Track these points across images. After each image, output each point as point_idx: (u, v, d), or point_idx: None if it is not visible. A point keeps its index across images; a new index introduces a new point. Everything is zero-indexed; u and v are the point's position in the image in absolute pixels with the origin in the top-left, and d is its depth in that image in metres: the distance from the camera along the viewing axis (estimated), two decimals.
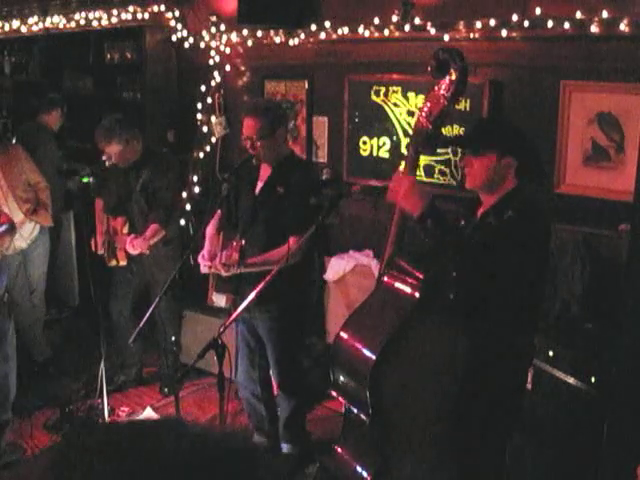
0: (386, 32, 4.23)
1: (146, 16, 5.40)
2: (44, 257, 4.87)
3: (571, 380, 3.04)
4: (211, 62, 5.26)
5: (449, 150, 4.17)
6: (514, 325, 2.47)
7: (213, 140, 5.33)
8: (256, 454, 0.82)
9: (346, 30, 4.41)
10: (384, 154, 4.54)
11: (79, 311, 5.71)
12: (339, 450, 2.66)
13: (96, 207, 4.60)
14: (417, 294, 2.43)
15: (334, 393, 2.61)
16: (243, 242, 3.38)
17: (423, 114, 2.50)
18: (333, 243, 4.75)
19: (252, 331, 3.69)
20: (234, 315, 3.00)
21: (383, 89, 4.47)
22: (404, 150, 4.27)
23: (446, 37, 3.96)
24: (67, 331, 5.53)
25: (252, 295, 2.88)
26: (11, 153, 4.52)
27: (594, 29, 3.46)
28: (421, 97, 4.17)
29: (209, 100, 5.28)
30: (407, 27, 4.13)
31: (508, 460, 2.79)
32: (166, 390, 4.59)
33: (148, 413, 4.30)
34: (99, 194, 4.62)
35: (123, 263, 4.41)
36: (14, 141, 5.23)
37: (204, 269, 3.56)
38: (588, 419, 2.94)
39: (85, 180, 5.14)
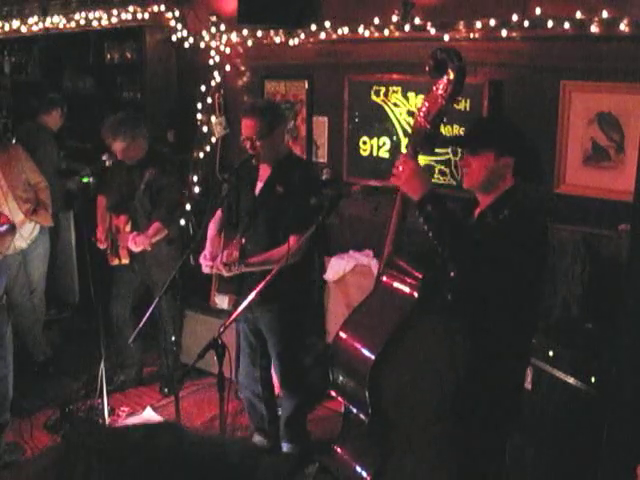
0: (386, 32, 4.23)
1: (146, 16, 5.40)
2: (44, 257, 4.87)
3: (571, 380, 3.04)
4: (211, 62, 5.26)
5: (449, 150, 4.17)
6: (513, 325, 2.47)
7: (213, 140, 5.33)
8: (255, 456, 0.82)
9: (346, 30, 4.41)
10: (384, 154, 4.54)
11: (79, 311, 5.71)
12: (339, 450, 2.66)
13: (98, 204, 4.60)
14: (416, 294, 2.43)
15: (333, 393, 2.61)
16: (243, 240, 3.40)
17: (421, 114, 2.50)
18: (333, 243, 4.75)
19: (254, 330, 3.70)
20: (234, 315, 3.00)
21: (383, 89, 4.47)
22: (404, 150, 4.26)
23: (446, 37, 3.96)
24: (67, 331, 5.53)
25: (252, 295, 2.89)
26: (11, 153, 4.52)
27: (594, 29, 3.46)
28: (421, 97, 4.17)
29: (209, 100, 5.28)
30: (407, 27, 4.13)
31: (508, 460, 2.79)
32: (166, 390, 4.59)
33: (148, 413, 4.30)
34: (102, 192, 4.63)
35: (125, 261, 4.41)
36: (14, 141, 5.23)
37: (206, 269, 3.57)
38: (588, 419, 2.94)
39: (85, 180, 5.14)
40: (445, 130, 4.05)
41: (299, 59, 4.89)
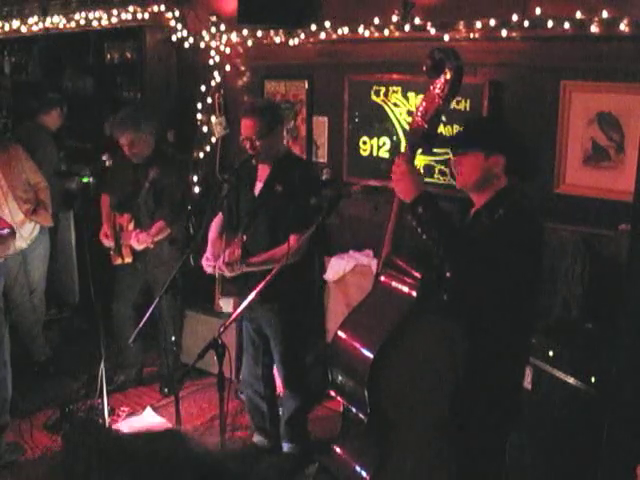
0: (386, 32, 4.24)
1: (146, 16, 5.40)
2: (44, 257, 4.87)
3: (571, 380, 3.04)
4: (211, 62, 5.26)
5: (449, 150, 4.16)
6: (510, 325, 2.46)
7: (213, 140, 5.33)
8: (252, 462, 0.83)
9: (346, 30, 4.41)
10: (384, 154, 4.54)
11: (79, 311, 5.71)
12: (338, 450, 2.66)
13: (103, 203, 4.60)
14: (414, 293, 2.43)
15: (333, 393, 2.61)
16: (244, 238, 3.41)
17: (419, 113, 2.51)
18: (333, 243, 4.75)
19: (257, 329, 3.72)
20: (234, 315, 3.01)
21: (383, 89, 4.47)
22: (404, 150, 4.26)
23: (446, 37, 3.96)
24: (67, 331, 5.54)
25: (252, 294, 2.90)
26: (11, 153, 4.52)
27: (594, 29, 3.46)
28: (421, 97, 4.17)
29: (209, 100, 5.29)
30: (407, 27, 4.13)
31: (508, 460, 2.79)
32: (166, 390, 4.59)
33: (148, 413, 4.30)
34: (106, 191, 4.63)
35: (128, 260, 4.42)
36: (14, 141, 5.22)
37: (208, 269, 3.58)
38: (588, 419, 2.94)
39: (85, 180, 5.14)
40: (445, 130, 4.06)
41: (299, 59, 4.89)
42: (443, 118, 2.61)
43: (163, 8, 5.32)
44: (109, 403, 3.95)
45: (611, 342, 2.82)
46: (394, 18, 4.17)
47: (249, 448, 3.89)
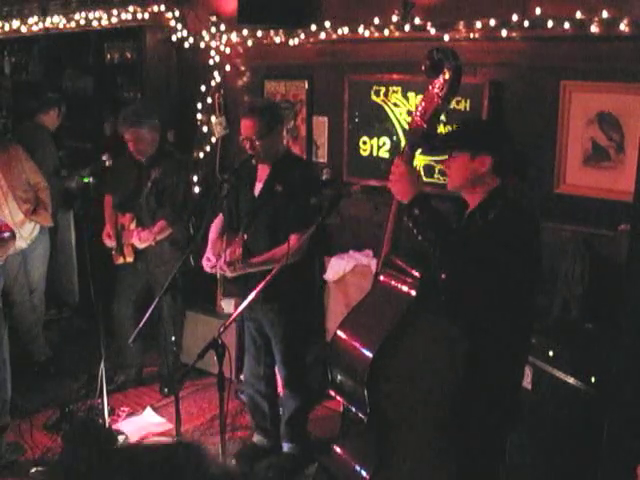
0: (386, 32, 4.24)
1: (146, 16, 5.40)
2: (44, 257, 4.87)
3: (571, 380, 3.04)
4: (211, 62, 5.26)
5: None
6: (507, 325, 2.46)
7: (213, 140, 5.33)
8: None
9: (346, 30, 4.41)
10: (384, 154, 4.54)
11: (79, 311, 5.71)
12: (338, 450, 2.66)
13: (106, 204, 4.61)
14: (414, 292, 2.43)
15: (332, 392, 2.61)
16: (245, 237, 3.41)
17: (418, 113, 2.51)
18: (333, 243, 4.75)
19: (258, 329, 3.73)
20: (234, 315, 3.02)
21: (383, 89, 4.47)
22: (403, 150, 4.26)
23: (446, 37, 3.96)
24: (67, 331, 5.54)
25: (252, 294, 2.90)
26: (11, 153, 4.52)
27: (594, 29, 3.46)
28: (420, 97, 4.17)
29: (209, 100, 5.29)
30: (407, 27, 4.13)
31: (508, 460, 2.79)
32: (166, 390, 4.59)
33: (148, 413, 4.30)
34: (108, 190, 4.63)
35: (130, 259, 4.43)
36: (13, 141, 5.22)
37: (209, 269, 3.59)
38: (588, 419, 2.94)
39: (85, 180, 5.14)
40: (445, 130, 4.05)
41: (299, 59, 4.89)
42: (442, 118, 2.60)
43: (163, 8, 5.33)
44: (109, 403, 3.95)
45: (611, 342, 2.82)
46: (394, 18, 4.17)
47: (249, 448, 3.90)
